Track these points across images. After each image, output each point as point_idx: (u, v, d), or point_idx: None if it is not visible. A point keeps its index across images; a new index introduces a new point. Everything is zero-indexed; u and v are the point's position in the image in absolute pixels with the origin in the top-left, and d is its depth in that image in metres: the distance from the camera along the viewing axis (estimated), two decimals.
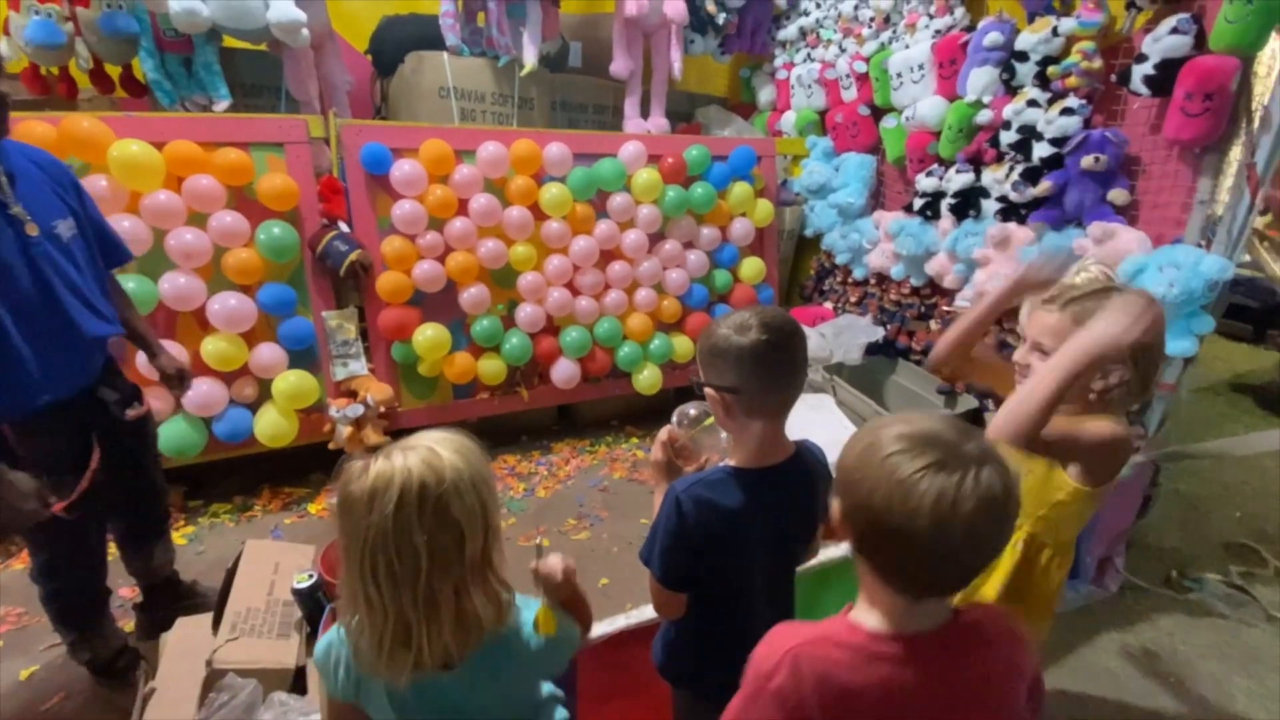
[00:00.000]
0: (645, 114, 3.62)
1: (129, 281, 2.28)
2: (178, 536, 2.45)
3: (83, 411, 1.53)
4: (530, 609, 0.94)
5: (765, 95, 4.11)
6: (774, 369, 1.01)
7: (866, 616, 0.75)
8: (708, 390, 1.07)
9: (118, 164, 2.23)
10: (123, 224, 2.25)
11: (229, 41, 2.80)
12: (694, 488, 1.04)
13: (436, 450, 0.80)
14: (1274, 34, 1.89)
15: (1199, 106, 1.97)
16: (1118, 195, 2.24)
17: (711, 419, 1.14)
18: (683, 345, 3.38)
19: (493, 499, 0.84)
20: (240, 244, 2.47)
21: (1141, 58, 2.09)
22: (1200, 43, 1.99)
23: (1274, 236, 5.18)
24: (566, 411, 3.55)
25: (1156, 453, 2.21)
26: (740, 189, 3.35)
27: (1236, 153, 2.02)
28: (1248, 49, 1.90)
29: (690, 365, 3.44)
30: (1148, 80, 2.07)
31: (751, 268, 3.50)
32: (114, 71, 2.79)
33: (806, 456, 1.13)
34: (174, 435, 2.41)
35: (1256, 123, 1.95)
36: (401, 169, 2.70)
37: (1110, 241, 2.21)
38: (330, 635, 0.91)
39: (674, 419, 1.22)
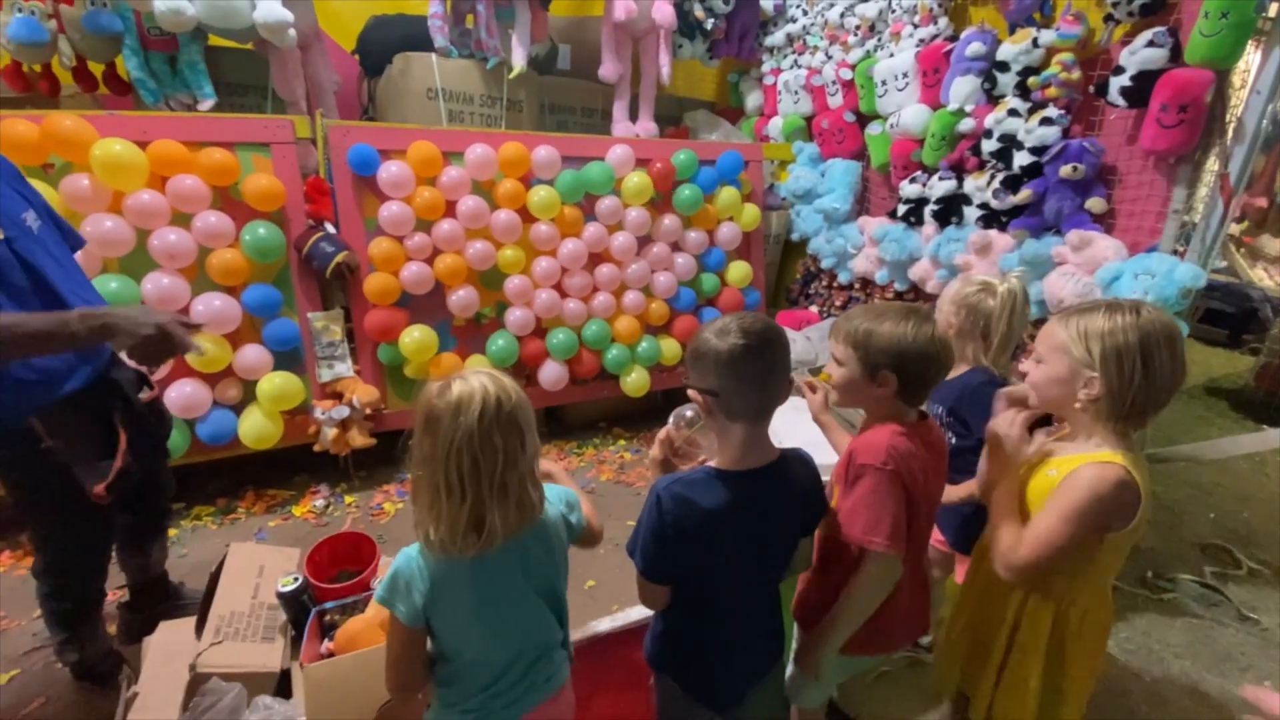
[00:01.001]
0: (634, 117, 3.64)
1: (111, 281, 2.27)
2: None
3: (103, 396, 1.56)
4: (555, 501, 1.16)
5: (753, 100, 4.14)
6: (750, 373, 1.05)
7: (888, 423, 1.21)
8: (691, 391, 1.11)
9: (100, 163, 2.20)
10: (105, 224, 2.24)
11: (215, 40, 2.79)
12: (673, 485, 1.07)
13: (498, 376, 1.00)
14: (1248, 47, 1.94)
15: (1174, 118, 2.02)
16: (1095, 204, 2.29)
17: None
18: (670, 348, 3.40)
19: (534, 417, 1.04)
20: (225, 244, 2.46)
21: (1119, 70, 2.13)
22: (1176, 55, 2.04)
23: (1250, 243, 5.29)
24: (554, 413, 3.55)
25: None
26: (728, 193, 3.37)
27: (1211, 163, 2.07)
28: (1222, 62, 1.95)
29: (678, 368, 3.46)
30: (1124, 92, 2.12)
31: (738, 271, 3.53)
32: (97, 69, 2.76)
33: (793, 464, 1.16)
34: None
35: (1230, 134, 2.00)
36: (389, 170, 2.70)
37: (1088, 249, 2.26)
38: (397, 566, 1.03)
39: (671, 420, 1.27)
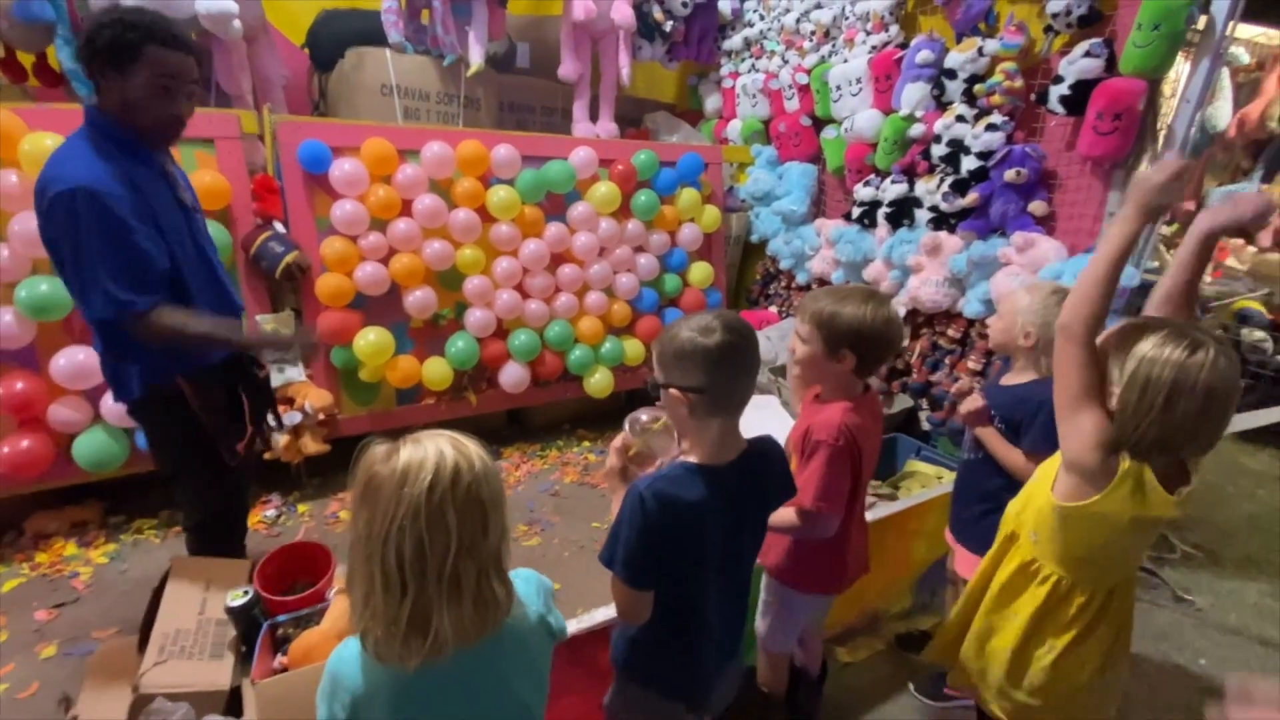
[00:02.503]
0: (594, 118, 3.63)
1: (42, 283, 2.15)
2: (98, 555, 2.32)
3: (234, 370, 1.81)
4: (531, 597, 0.98)
5: (712, 103, 4.18)
6: (738, 367, 1.06)
7: (841, 400, 1.39)
8: (671, 392, 1.08)
9: (30, 159, 2.08)
10: (35, 222, 2.11)
11: None
12: (656, 483, 1.05)
13: (461, 440, 0.84)
14: (1179, 57, 2.05)
15: (1109, 125, 2.12)
16: (1037, 207, 2.39)
17: (662, 422, 1.15)
18: (633, 348, 3.40)
19: (504, 492, 0.87)
20: None
21: (1058, 79, 2.23)
22: (1111, 66, 2.14)
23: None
24: (517, 416, 3.51)
25: None
26: (688, 195, 3.40)
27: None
28: (1154, 72, 2.05)
29: (641, 368, 3.46)
30: (1063, 100, 2.22)
31: (700, 272, 3.55)
32: (27, 60, 2.63)
33: (760, 450, 1.17)
34: (92, 447, 2.26)
35: (1161, 140, 2.12)
36: (341, 168, 2.63)
37: (1031, 250, 2.35)
38: (329, 664, 0.90)
39: (626, 426, 1.23)
